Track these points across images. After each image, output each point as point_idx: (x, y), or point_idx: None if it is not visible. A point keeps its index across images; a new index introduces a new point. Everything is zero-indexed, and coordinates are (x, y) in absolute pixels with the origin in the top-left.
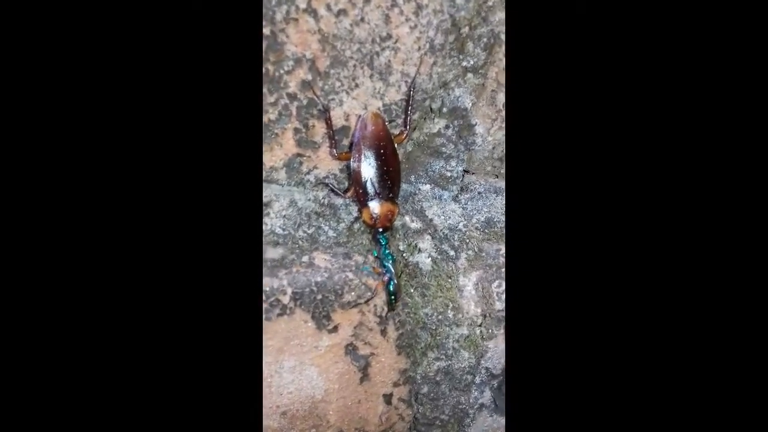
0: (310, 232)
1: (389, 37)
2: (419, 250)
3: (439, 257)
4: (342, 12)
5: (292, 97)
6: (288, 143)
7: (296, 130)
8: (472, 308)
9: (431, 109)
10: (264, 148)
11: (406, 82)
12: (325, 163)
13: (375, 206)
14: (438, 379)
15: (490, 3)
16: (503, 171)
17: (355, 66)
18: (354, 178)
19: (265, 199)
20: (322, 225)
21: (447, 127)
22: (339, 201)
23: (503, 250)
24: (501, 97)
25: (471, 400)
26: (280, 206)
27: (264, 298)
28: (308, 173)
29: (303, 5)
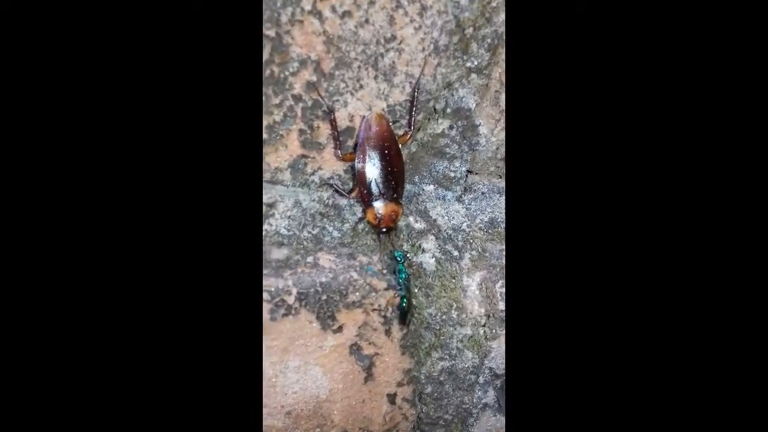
0: (314, 232)
1: (394, 38)
2: (423, 251)
3: (442, 257)
4: (347, 13)
5: (297, 98)
6: (293, 144)
7: (301, 132)
8: (475, 308)
9: (435, 109)
10: (269, 150)
11: (410, 82)
12: (329, 164)
13: (379, 207)
14: (442, 378)
15: (494, 4)
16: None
17: (359, 67)
18: (358, 178)
19: (269, 200)
20: (327, 225)
21: (451, 127)
22: (343, 202)
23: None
24: (505, 98)
25: (474, 400)
26: (285, 207)
27: (269, 298)
28: (313, 174)
29: (308, 7)
